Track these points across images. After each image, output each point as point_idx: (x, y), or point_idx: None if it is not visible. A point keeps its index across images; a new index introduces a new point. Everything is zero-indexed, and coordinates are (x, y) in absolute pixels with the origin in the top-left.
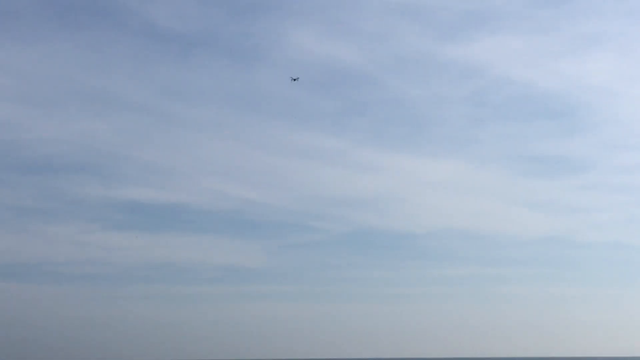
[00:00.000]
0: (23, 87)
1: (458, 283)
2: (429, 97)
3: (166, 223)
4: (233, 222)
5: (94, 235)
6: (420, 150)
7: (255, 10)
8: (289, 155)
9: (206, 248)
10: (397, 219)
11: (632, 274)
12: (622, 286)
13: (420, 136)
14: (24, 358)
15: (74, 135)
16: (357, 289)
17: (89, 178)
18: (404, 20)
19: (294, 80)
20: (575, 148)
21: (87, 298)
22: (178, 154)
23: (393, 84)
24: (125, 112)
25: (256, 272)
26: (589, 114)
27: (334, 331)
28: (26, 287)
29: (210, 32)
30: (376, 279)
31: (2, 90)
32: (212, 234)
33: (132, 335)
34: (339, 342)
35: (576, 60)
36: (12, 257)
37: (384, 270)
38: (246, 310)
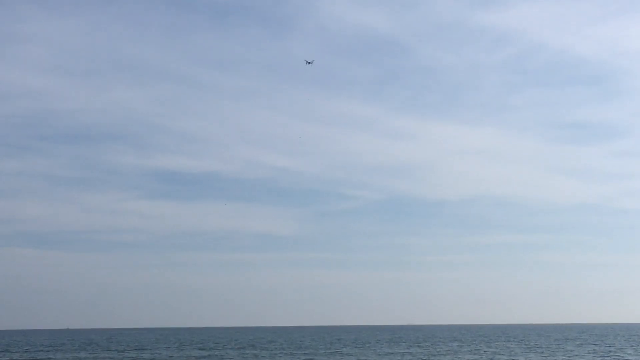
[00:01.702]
0: (59, 57)
1: (492, 250)
2: (463, 64)
3: (201, 191)
4: (267, 190)
5: (129, 204)
6: (454, 118)
7: None
8: (322, 123)
9: (240, 216)
10: (430, 186)
11: None
12: None
13: (454, 103)
14: (60, 323)
15: (108, 105)
16: (391, 257)
17: (124, 147)
18: None
19: (309, 63)
20: (612, 114)
21: (122, 265)
22: (212, 123)
23: (427, 51)
24: (160, 81)
25: (290, 240)
26: (625, 79)
27: (366, 298)
28: (62, 255)
29: (244, 1)
30: (409, 246)
31: (38, 61)
32: (246, 202)
33: (167, 301)
34: (371, 309)
35: (613, 25)
36: (48, 225)
37: (417, 237)
38: (280, 277)
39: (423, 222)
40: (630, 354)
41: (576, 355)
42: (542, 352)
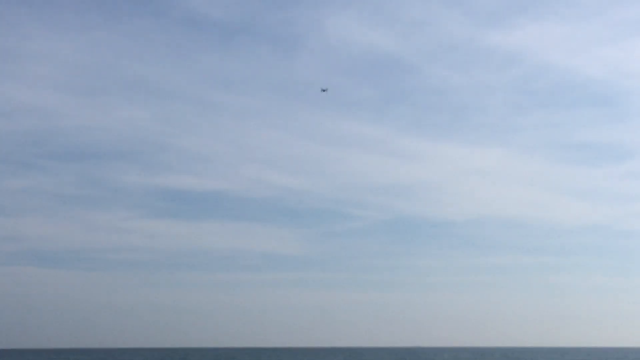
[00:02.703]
0: (64, 75)
1: (499, 272)
2: (470, 85)
3: (206, 210)
4: (272, 210)
5: (134, 223)
6: (461, 138)
7: None
8: (329, 143)
9: (246, 235)
10: (437, 207)
11: None
12: None
13: (461, 124)
14: (65, 344)
15: (114, 123)
16: (397, 278)
17: (130, 166)
18: (444, 7)
19: (324, 91)
20: (620, 135)
21: (126, 284)
22: (218, 142)
23: (433, 71)
24: (166, 100)
25: (295, 260)
26: (633, 100)
27: (373, 319)
28: (66, 274)
29: (250, 20)
30: (416, 268)
31: (43, 78)
32: (251, 222)
33: (172, 322)
34: (377, 330)
35: (620, 47)
36: (52, 244)
37: (424, 258)
38: (285, 298)
39: (429, 242)
40: None
41: None
42: None
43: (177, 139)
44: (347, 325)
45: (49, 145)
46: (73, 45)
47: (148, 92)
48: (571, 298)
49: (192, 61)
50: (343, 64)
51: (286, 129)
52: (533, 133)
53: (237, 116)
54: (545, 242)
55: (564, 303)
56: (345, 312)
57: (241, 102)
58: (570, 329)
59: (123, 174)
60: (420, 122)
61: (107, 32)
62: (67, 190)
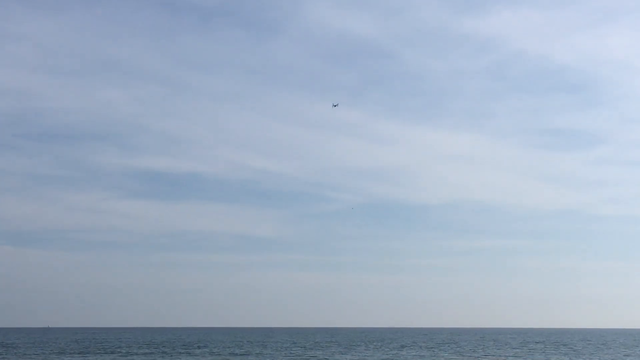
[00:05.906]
0: (43, 56)
1: (472, 255)
2: (446, 70)
3: (183, 192)
4: (249, 192)
5: (111, 204)
6: (436, 123)
7: None
8: (305, 126)
9: (222, 217)
10: (412, 190)
11: None
12: (637, 260)
13: (436, 109)
14: (42, 323)
15: (92, 105)
16: (371, 260)
17: (107, 147)
18: None
19: (335, 106)
20: (592, 122)
21: (103, 265)
22: (195, 124)
23: (410, 57)
24: (144, 82)
25: (271, 241)
26: (606, 87)
27: (347, 300)
28: (44, 254)
29: (229, 3)
30: (390, 250)
31: (22, 59)
32: (228, 203)
33: (146, 301)
34: (351, 311)
35: (594, 34)
36: (30, 224)
37: (399, 241)
38: (261, 279)
39: (404, 225)
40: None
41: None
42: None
43: (154, 121)
44: (321, 305)
45: (26, 126)
46: (53, 27)
47: (125, 74)
48: (543, 280)
49: (170, 44)
50: (320, 48)
51: (263, 112)
52: (507, 119)
53: (214, 99)
54: (518, 226)
55: (536, 285)
56: (321, 293)
57: (218, 85)
58: (541, 311)
59: (100, 155)
60: (397, 107)
61: (87, 15)
62: (46, 171)
